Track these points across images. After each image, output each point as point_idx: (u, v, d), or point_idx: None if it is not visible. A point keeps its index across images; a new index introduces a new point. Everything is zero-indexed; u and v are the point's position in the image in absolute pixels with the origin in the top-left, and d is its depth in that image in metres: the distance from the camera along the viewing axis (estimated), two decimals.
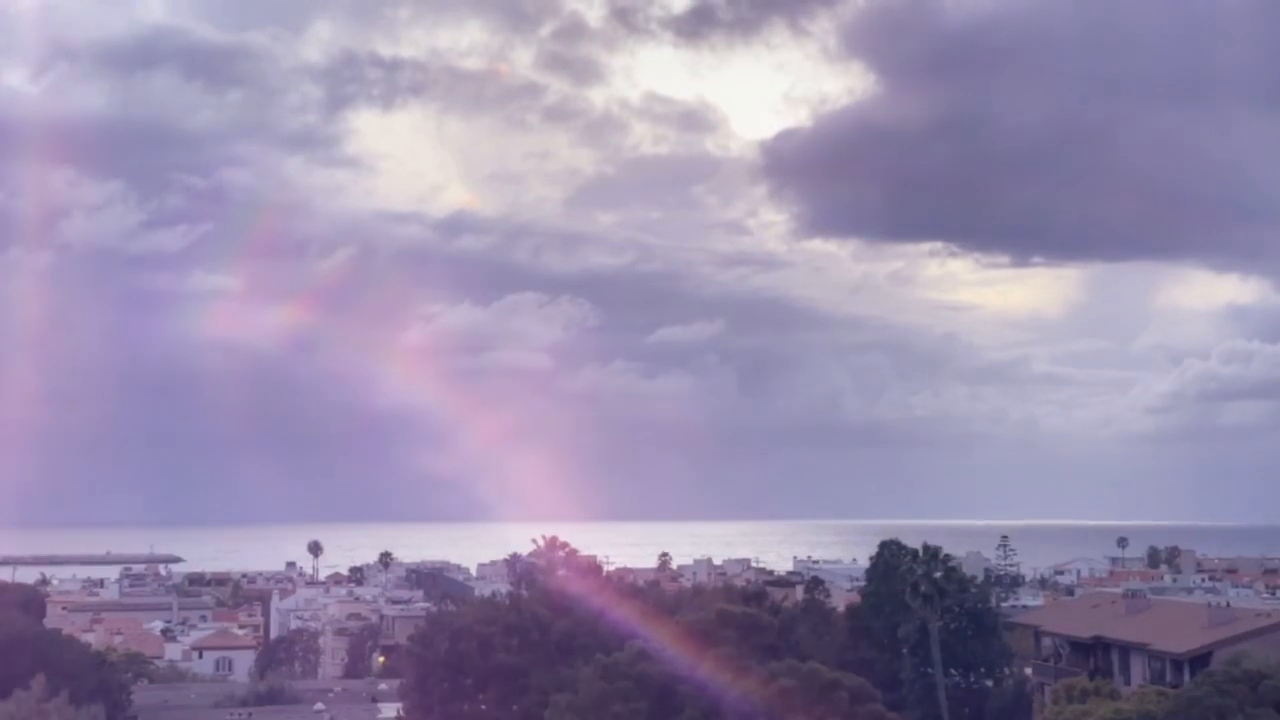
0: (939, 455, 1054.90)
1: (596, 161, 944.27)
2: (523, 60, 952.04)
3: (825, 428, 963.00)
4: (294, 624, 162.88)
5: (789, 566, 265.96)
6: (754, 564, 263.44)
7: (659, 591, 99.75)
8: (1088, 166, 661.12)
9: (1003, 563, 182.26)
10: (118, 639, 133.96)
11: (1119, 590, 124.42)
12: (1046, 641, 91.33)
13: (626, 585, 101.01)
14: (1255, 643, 69.54)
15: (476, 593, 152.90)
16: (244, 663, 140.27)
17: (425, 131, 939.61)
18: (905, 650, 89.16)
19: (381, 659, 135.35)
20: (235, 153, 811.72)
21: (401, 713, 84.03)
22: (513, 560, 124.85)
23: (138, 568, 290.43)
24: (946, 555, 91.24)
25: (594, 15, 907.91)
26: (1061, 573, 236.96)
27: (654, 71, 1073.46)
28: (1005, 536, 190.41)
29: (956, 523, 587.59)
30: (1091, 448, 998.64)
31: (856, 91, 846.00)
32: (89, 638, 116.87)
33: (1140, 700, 64.80)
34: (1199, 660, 71.12)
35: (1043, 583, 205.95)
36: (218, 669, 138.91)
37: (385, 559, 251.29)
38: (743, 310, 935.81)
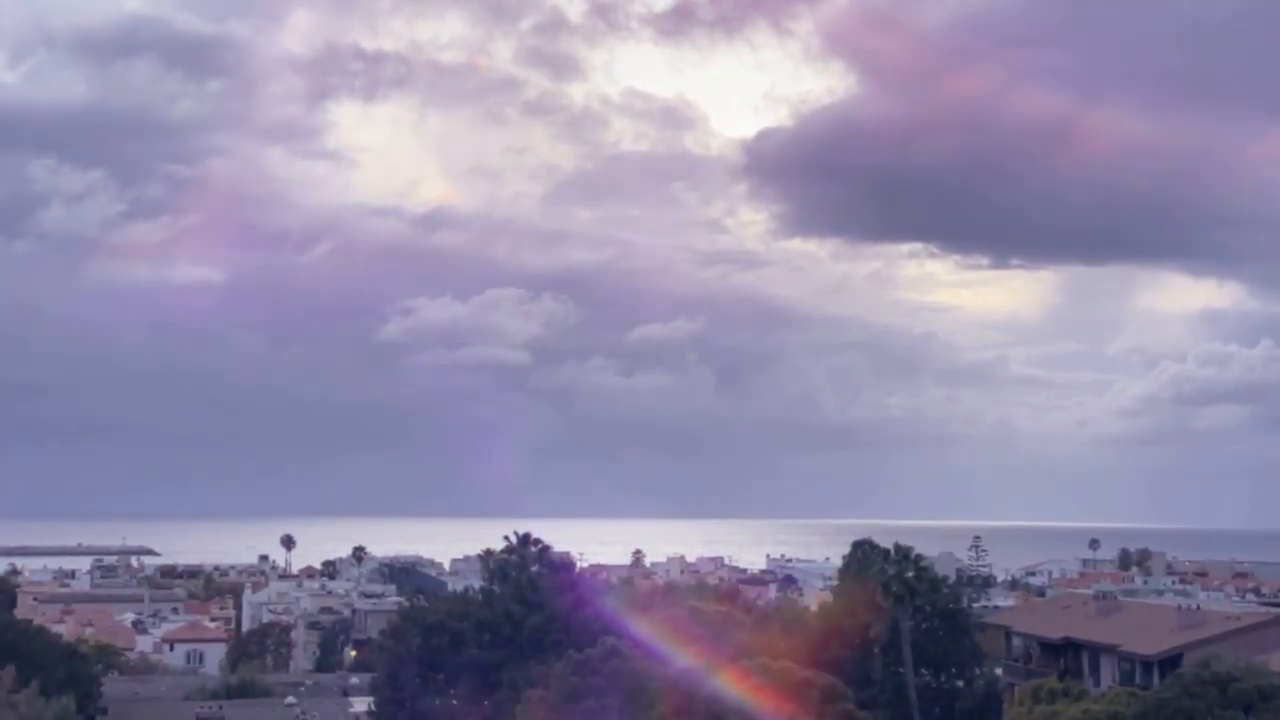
0: (914, 456, 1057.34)
1: (576, 157, 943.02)
2: (503, 54, 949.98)
3: (802, 427, 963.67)
4: (266, 617, 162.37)
5: (762, 565, 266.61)
6: (727, 562, 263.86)
7: (632, 589, 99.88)
8: (1067, 169, 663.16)
9: (975, 563, 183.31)
10: (89, 630, 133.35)
11: (1090, 592, 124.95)
12: (1017, 642, 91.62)
13: (600, 582, 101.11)
14: (1225, 645, 69.86)
15: (449, 588, 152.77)
16: (215, 655, 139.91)
17: (405, 125, 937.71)
18: (877, 649, 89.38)
19: (353, 653, 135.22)
20: (216, 143, 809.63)
21: (373, 707, 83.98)
22: (486, 556, 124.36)
23: (110, 559, 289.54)
24: (919, 555, 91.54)
25: (574, 10, 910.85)
26: (1033, 574, 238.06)
27: (634, 68, 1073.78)
28: (978, 537, 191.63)
29: (930, 523, 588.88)
30: (1066, 450, 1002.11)
31: (837, 91, 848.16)
32: (60, 629, 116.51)
33: (1109, 702, 65.12)
34: (1169, 662, 71.40)
35: (1014, 583, 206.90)
36: (189, 661, 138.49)
37: (358, 553, 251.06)
38: (721, 309, 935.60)
